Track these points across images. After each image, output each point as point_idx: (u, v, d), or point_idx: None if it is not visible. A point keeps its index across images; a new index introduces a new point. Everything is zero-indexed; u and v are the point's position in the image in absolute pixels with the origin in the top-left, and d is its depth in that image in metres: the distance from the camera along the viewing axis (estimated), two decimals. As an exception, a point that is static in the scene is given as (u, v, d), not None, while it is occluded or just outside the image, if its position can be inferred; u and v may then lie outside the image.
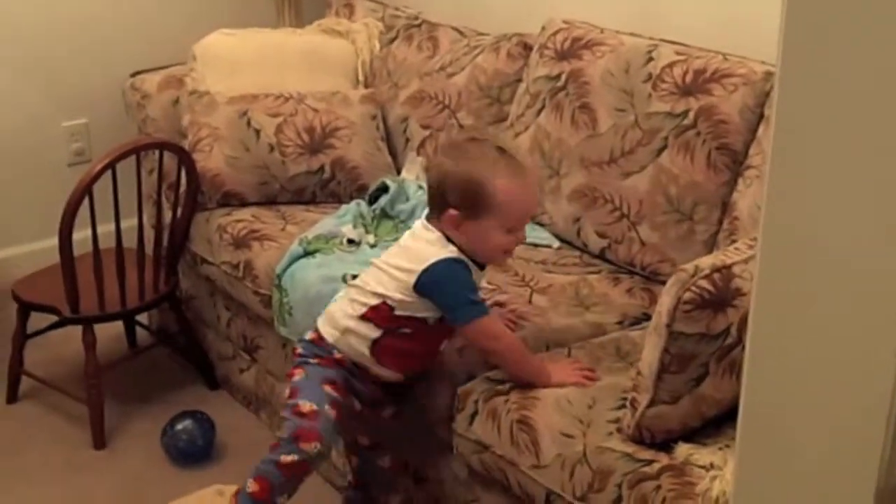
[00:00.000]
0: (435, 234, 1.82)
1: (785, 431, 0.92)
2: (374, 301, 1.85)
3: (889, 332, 0.80)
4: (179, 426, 2.39)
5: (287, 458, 1.82)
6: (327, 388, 1.86)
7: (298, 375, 1.89)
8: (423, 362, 1.93)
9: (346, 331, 1.88)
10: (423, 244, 1.84)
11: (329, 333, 1.90)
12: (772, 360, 0.92)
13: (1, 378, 2.62)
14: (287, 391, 1.89)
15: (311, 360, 1.90)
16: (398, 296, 1.83)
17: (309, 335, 1.93)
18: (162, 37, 3.13)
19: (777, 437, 0.94)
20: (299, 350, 1.93)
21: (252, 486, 1.83)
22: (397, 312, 1.84)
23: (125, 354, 2.80)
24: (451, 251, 1.80)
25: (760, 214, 0.90)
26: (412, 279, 1.80)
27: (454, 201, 1.78)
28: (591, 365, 1.86)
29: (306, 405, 1.83)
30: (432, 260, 1.79)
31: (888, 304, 0.80)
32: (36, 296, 2.50)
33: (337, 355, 1.89)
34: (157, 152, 2.51)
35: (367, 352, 1.87)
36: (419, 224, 1.88)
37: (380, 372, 1.90)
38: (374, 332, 1.86)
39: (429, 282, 1.79)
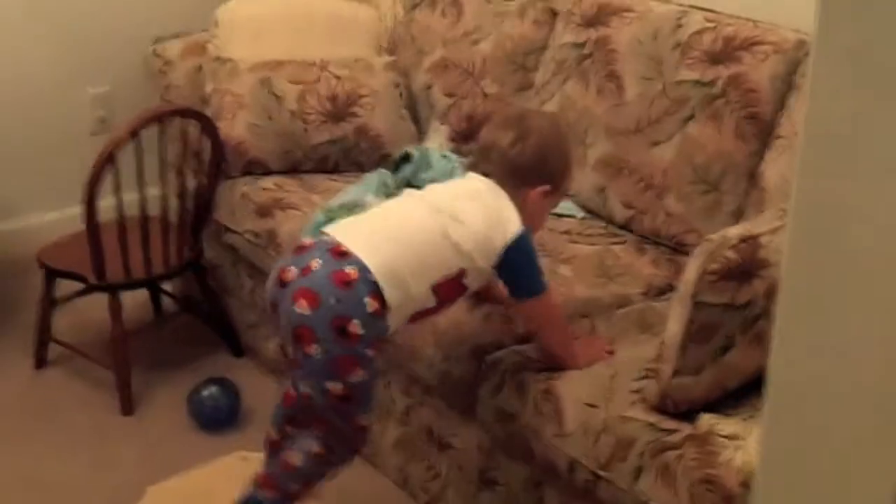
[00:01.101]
0: (505, 195, 1.72)
1: (813, 404, 0.91)
2: (458, 266, 1.66)
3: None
4: (205, 392, 2.41)
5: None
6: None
7: (359, 375, 1.63)
8: None
9: (409, 299, 1.64)
10: (505, 204, 1.70)
11: (396, 301, 1.62)
12: (801, 331, 0.91)
13: (28, 344, 2.64)
14: (338, 387, 1.63)
15: (369, 353, 1.62)
16: (481, 263, 1.68)
17: (370, 305, 1.60)
18: (184, 3, 3.11)
19: (805, 410, 0.93)
20: (359, 331, 1.59)
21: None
22: (464, 281, 1.69)
23: (151, 322, 2.82)
24: (518, 215, 1.71)
25: (792, 183, 0.88)
26: (498, 249, 1.67)
27: (548, 176, 1.74)
28: (615, 336, 1.85)
29: (363, 418, 1.70)
30: (516, 231, 1.67)
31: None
32: (62, 263, 2.52)
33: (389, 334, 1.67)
34: (180, 120, 2.50)
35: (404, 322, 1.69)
36: (482, 182, 1.73)
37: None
38: (430, 303, 1.69)
39: (517, 257, 1.68)
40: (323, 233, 1.71)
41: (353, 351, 1.60)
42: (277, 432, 1.77)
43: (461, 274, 1.68)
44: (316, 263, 1.62)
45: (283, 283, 1.64)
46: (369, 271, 1.60)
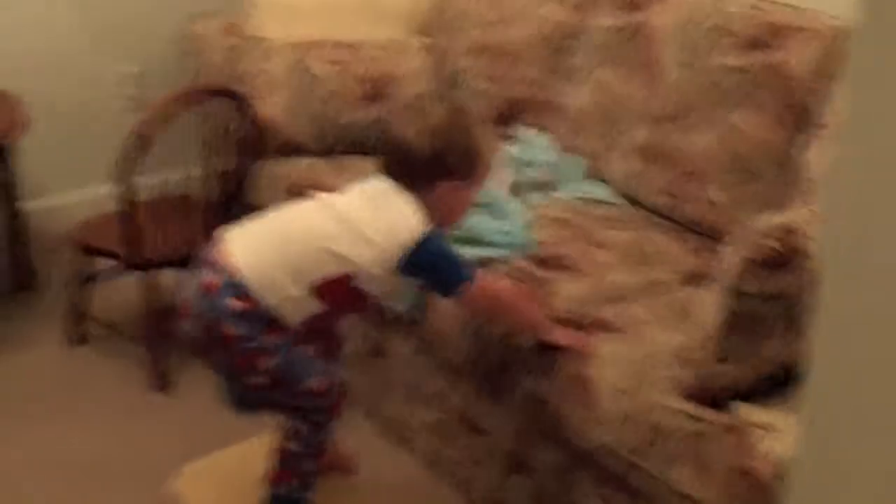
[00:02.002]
0: (406, 197, 1.69)
1: (854, 393, 0.90)
2: (341, 270, 1.66)
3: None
4: (237, 372, 2.42)
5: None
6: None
7: (267, 362, 1.70)
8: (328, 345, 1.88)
9: (288, 299, 1.68)
10: (400, 209, 1.67)
11: (274, 300, 1.68)
12: (842, 320, 0.90)
13: (63, 321, 2.66)
14: (259, 380, 1.72)
15: (265, 341, 1.69)
16: (375, 270, 1.67)
17: (233, 306, 1.66)
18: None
19: (846, 399, 0.92)
20: (233, 331, 1.67)
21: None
22: (353, 284, 1.68)
23: (184, 300, 2.84)
24: (421, 217, 1.68)
25: (829, 170, 0.86)
26: (395, 257, 1.65)
27: (454, 170, 1.70)
28: (653, 322, 1.83)
29: (310, 383, 1.75)
30: (414, 236, 1.64)
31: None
32: (96, 240, 2.53)
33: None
34: (214, 99, 2.50)
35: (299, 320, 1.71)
36: (382, 183, 1.71)
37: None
38: (314, 306, 1.70)
39: (426, 259, 1.66)
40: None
41: (242, 348, 1.68)
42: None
43: (346, 278, 1.67)
44: (197, 278, 1.72)
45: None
46: (235, 276, 1.66)
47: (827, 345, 0.92)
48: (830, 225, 0.86)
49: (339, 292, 1.69)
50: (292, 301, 1.68)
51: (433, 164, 1.68)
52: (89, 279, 2.62)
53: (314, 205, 1.74)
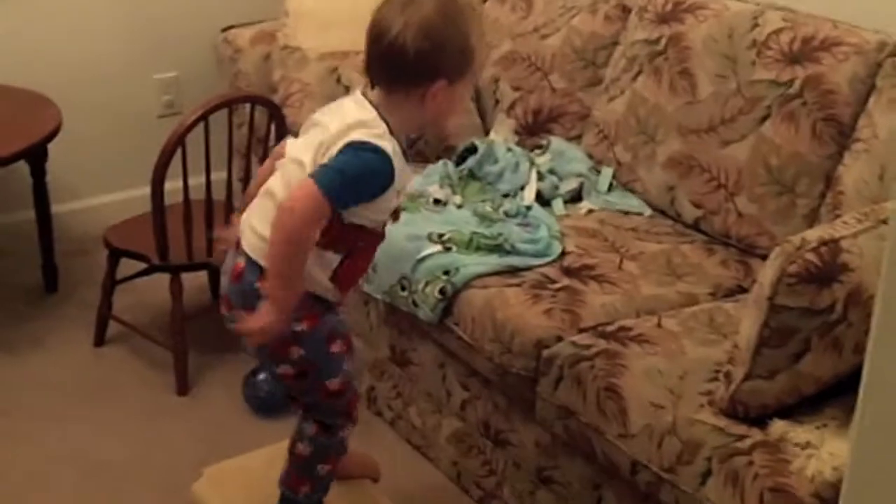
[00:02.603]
0: (359, 108, 1.54)
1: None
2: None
3: None
4: (261, 377, 2.41)
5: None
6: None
7: (298, 352, 1.63)
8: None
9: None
10: (345, 117, 1.53)
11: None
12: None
13: (89, 322, 2.67)
14: (287, 370, 1.66)
15: (297, 328, 1.60)
16: None
17: (263, 288, 1.55)
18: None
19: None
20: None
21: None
22: (347, 222, 1.55)
23: (210, 304, 2.84)
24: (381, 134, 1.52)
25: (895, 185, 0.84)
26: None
27: (441, 70, 1.50)
28: (685, 335, 1.80)
29: (333, 383, 1.69)
30: (349, 140, 1.50)
31: None
32: (126, 243, 2.55)
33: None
34: (248, 106, 2.51)
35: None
36: (354, 100, 1.57)
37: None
38: (329, 256, 1.58)
39: (340, 155, 1.49)
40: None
41: (275, 330, 1.56)
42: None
43: (335, 217, 1.53)
44: (231, 258, 1.64)
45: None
46: (251, 255, 1.58)
47: (883, 361, 0.89)
48: (893, 239, 0.84)
49: (340, 235, 1.55)
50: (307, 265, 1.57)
51: (424, 62, 1.51)
52: (117, 281, 2.63)
53: (288, 158, 1.61)
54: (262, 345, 1.62)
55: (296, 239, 1.50)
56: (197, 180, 2.39)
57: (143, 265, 2.55)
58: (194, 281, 2.69)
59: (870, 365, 0.88)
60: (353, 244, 1.59)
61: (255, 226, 1.58)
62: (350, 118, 1.54)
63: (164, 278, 2.51)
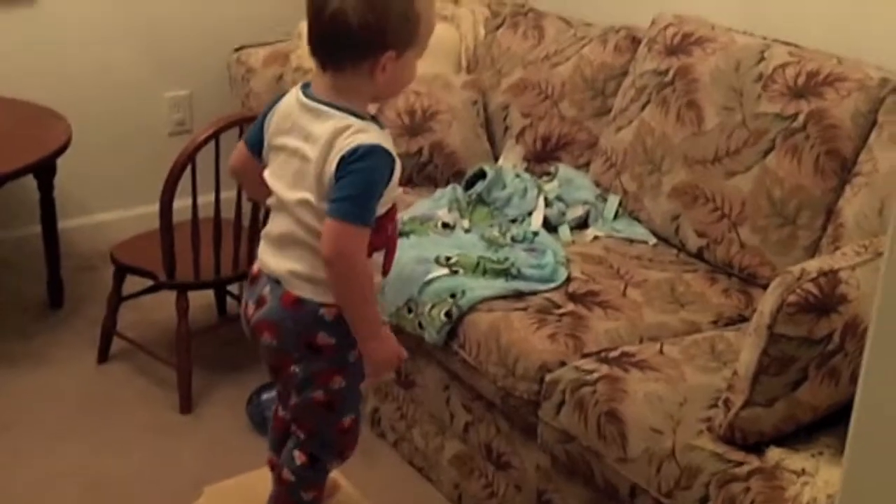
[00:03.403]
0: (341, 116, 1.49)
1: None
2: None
3: None
4: (265, 396, 2.42)
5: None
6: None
7: (338, 382, 1.62)
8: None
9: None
10: (333, 121, 1.49)
11: None
12: (892, 368, 0.89)
13: (94, 339, 2.68)
14: (319, 395, 1.62)
15: (350, 358, 1.60)
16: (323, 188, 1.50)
17: (328, 313, 1.55)
18: (267, 12, 3.17)
19: (891, 449, 0.90)
20: (329, 341, 1.57)
21: None
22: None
23: (215, 323, 2.86)
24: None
25: (892, 218, 0.86)
26: (332, 166, 1.47)
27: (392, 40, 1.46)
28: (687, 362, 1.82)
29: (347, 420, 1.67)
30: (355, 145, 1.47)
31: None
32: (134, 259, 2.56)
33: None
34: (259, 126, 2.54)
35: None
36: (305, 108, 1.52)
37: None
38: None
39: (355, 169, 1.46)
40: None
41: (332, 361, 1.59)
42: (275, 454, 1.79)
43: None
44: (266, 292, 1.60)
45: (248, 321, 1.65)
46: (304, 296, 1.56)
47: (874, 394, 0.90)
48: (886, 272, 0.85)
49: (377, 234, 1.54)
50: None
51: (369, 33, 1.46)
52: (123, 298, 2.64)
53: (281, 199, 1.57)
54: (305, 374, 1.60)
55: (360, 277, 1.51)
56: (206, 199, 2.42)
57: (148, 282, 2.56)
58: (199, 299, 2.71)
59: (861, 395, 0.90)
60: (389, 232, 1.60)
61: (296, 269, 1.55)
62: (320, 134, 1.48)
63: (169, 296, 2.53)
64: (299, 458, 1.69)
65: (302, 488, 1.73)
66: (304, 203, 1.52)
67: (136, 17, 3.09)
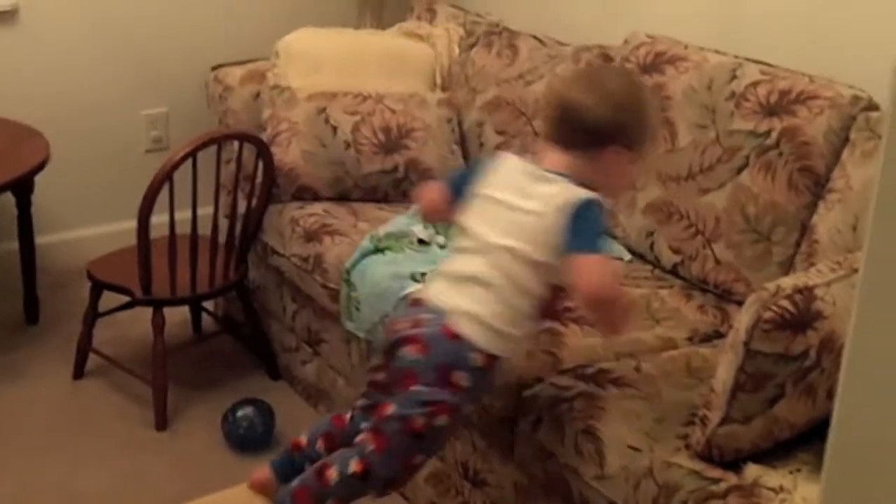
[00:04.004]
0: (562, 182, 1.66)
1: (876, 463, 0.90)
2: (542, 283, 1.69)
3: None
4: (241, 413, 2.42)
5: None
6: None
7: (443, 420, 1.67)
8: None
9: (517, 340, 1.74)
10: (549, 183, 1.66)
11: (506, 351, 1.71)
12: (868, 385, 0.90)
13: (69, 355, 2.67)
14: (419, 422, 1.67)
15: (465, 409, 1.71)
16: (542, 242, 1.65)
17: (477, 360, 1.66)
18: (244, 32, 3.19)
19: (868, 466, 0.91)
20: (463, 383, 1.66)
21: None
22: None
23: (190, 339, 2.85)
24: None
25: (866, 235, 0.87)
26: (557, 219, 1.63)
27: (620, 138, 1.68)
28: (663, 379, 1.84)
29: (420, 458, 1.72)
30: (580, 197, 1.64)
31: None
32: (110, 276, 2.55)
33: None
34: (236, 143, 2.55)
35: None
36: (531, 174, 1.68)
37: None
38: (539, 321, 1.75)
39: (586, 216, 1.63)
40: (426, 289, 1.77)
41: (452, 400, 1.66)
42: (309, 441, 1.83)
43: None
44: (426, 317, 1.69)
45: (395, 332, 1.72)
46: (474, 341, 1.66)
47: (851, 412, 0.91)
48: (861, 291, 0.87)
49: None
50: (522, 340, 1.74)
51: (607, 131, 1.68)
52: (99, 314, 2.63)
53: (487, 243, 1.70)
54: (424, 399, 1.66)
55: (617, 292, 1.67)
56: (182, 215, 2.41)
57: (124, 298, 2.55)
58: (175, 316, 2.70)
59: (838, 411, 0.91)
60: (557, 307, 1.80)
61: (469, 310, 1.65)
62: (547, 193, 1.65)
63: (145, 312, 2.52)
64: (356, 465, 1.70)
65: (335, 496, 1.72)
66: (509, 250, 1.65)
67: (115, 36, 3.09)
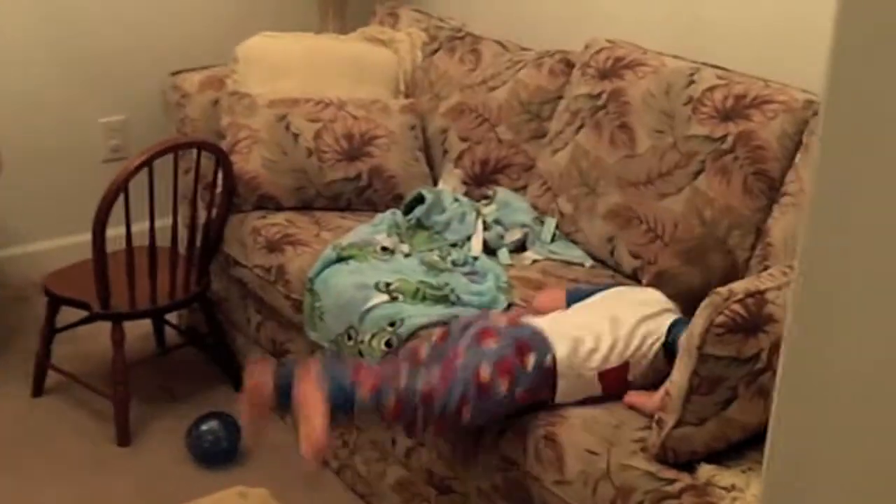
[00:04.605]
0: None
1: (814, 458, 0.91)
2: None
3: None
4: (205, 427, 2.39)
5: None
6: None
7: (503, 385, 1.77)
8: None
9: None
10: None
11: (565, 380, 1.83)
12: (804, 385, 0.91)
13: (28, 371, 2.62)
14: (486, 373, 1.76)
15: (518, 392, 1.78)
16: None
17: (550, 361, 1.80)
18: (204, 37, 3.15)
19: (806, 463, 0.92)
20: (531, 366, 1.78)
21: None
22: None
23: (153, 353, 2.82)
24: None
25: (799, 241, 0.88)
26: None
27: None
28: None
29: (467, 411, 1.78)
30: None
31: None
32: (67, 290, 2.51)
33: None
34: (194, 152, 2.52)
35: None
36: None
37: None
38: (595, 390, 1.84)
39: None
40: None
41: (518, 371, 1.75)
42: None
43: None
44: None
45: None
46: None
47: (789, 409, 0.92)
48: (798, 291, 0.88)
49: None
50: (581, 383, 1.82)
51: None
52: (57, 329, 2.59)
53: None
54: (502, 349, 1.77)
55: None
56: (142, 226, 2.39)
57: (83, 313, 2.51)
58: (136, 329, 2.67)
59: (776, 411, 0.92)
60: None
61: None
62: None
63: (105, 326, 2.48)
64: (421, 387, 1.75)
65: (396, 396, 1.75)
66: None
67: (70, 42, 3.04)
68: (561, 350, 1.77)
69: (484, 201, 2.53)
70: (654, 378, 1.76)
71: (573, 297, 1.98)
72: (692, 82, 2.24)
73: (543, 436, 1.75)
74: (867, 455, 0.85)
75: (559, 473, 1.70)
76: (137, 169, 2.31)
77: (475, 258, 2.35)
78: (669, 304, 1.87)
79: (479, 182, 2.62)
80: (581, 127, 2.41)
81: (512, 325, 1.83)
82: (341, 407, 1.76)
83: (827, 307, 0.86)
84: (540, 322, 1.84)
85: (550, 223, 2.45)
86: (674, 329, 1.78)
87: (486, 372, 1.73)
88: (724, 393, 1.56)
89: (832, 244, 0.85)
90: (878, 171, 0.79)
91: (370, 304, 2.12)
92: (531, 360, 1.75)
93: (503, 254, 2.38)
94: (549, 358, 1.76)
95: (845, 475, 0.87)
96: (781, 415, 0.93)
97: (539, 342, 1.78)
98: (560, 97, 2.54)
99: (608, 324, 1.81)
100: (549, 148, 2.50)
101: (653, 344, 1.79)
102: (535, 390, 1.76)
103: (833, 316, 0.85)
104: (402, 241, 2.41)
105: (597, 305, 1.92)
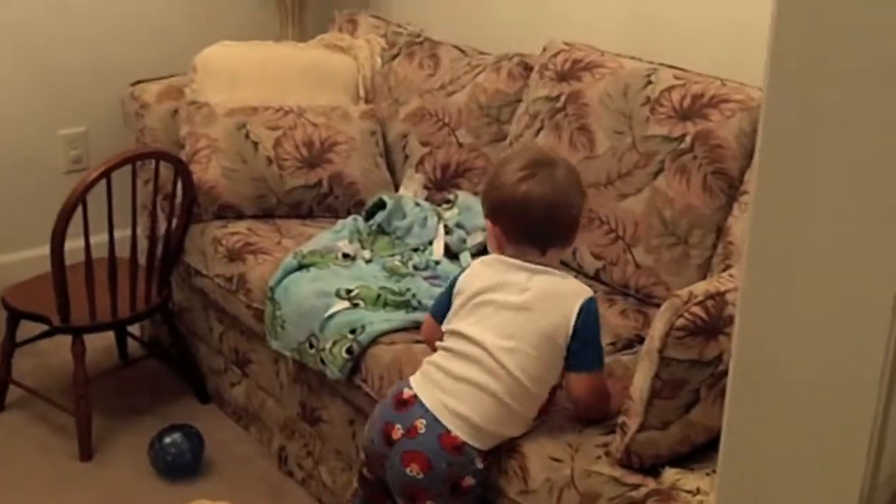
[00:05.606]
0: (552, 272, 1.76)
1: (766, 458, 0.91)
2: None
3: (872, 357, 0.79)
4: (168, 439, 2.37)
5: None
6: None
7: None
8: None
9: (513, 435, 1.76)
10: (557, 281, 1.75)
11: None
12: (754, 386, 0.91)
13: (-11, 386, 2.60)
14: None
15: (477, 492, 1.72)
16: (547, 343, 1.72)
17: (481, 463, 1.70)
18: (163, 47, 3.13)
19: (758, 463, 0.93)
20: (471, 483, 1.70)
21: None
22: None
23: (115, 365, 2.78)
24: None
25: (745, 243, 0.89)
26: (564, 326, 1.69)
27: (572, 235, 1.78)
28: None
29: None
30: (583, 300, 1.71)
31: (872, 328, 0.79)
32: (26, 304, 2.48)
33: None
34: (153, 162, 2.50)
35: None
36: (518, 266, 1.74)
37: None
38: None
39: (589, 325, 1.71)
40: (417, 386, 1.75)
41: (467, 500, 1.71)
42: None
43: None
44: (421, 424, 1.69)
45: (389, 442, 1.72)
46: (470, 442, 1.69)
47: (742, 407, 0.93)
48: (745, 294, 0.88)
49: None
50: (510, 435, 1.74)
51: (576, 222, 1.77)
52: (17, 344, 2.55)
53: (484, 345, 1.72)
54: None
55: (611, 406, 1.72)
56: (101, 238, 2.36)
57: (43, 326, 2.48)
58: (97, 342, 2.64)
59: (728, 413, 0.92)
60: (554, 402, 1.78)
61: (469, 417, 1.68)
62: (550, 288, 1.72)
63: (66, 340, 2.46)
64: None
65: None
66: (511, 351, 1.68)
67: (29, 54, 3.01)
68: (480, 443, 1.69)
69: (445, 205, 2.52)
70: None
71: (444, 311, 1.83)
72: (650, 83, 2.24)
73: (508, 448, 1.73)
74: (816, 455, 0.85)
75: (524, 483, 1.69)
76: (95, 181, 2.29)
77: (437, 262, 2.34)
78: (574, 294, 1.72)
79: (440, 186, 2.61)
80: (540, 129, 2.41)
81: (410, 435, 1.69)
82: None
83: (773, 308, 0.86)
84: (430, 404, 1.70)
85: (512, 226, 2.44)
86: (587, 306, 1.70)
87: None
88: (687, 396, 1.56)
89: (776, 245, 0.85)
90: (819, 171, 0.80)
91: (331, 311, 2.10)
92: (470, 480, 1.70)
93: (465, 257, 2.37)
94: (479, 461, 1.69)
95: (797, 475, 0.88)
96: (733, 416, 0.93)
97: (462, 463, 1.68)
98: (519, 100, 2.53)
99: (509, 359, 1.68)
100: (508, 151, 2.49)
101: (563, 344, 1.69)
102: (489, 468, 1.72)
103: (779, 317, 0.86)
104: (363, 247, 2.39)
105: (484, 320, 1.73)
